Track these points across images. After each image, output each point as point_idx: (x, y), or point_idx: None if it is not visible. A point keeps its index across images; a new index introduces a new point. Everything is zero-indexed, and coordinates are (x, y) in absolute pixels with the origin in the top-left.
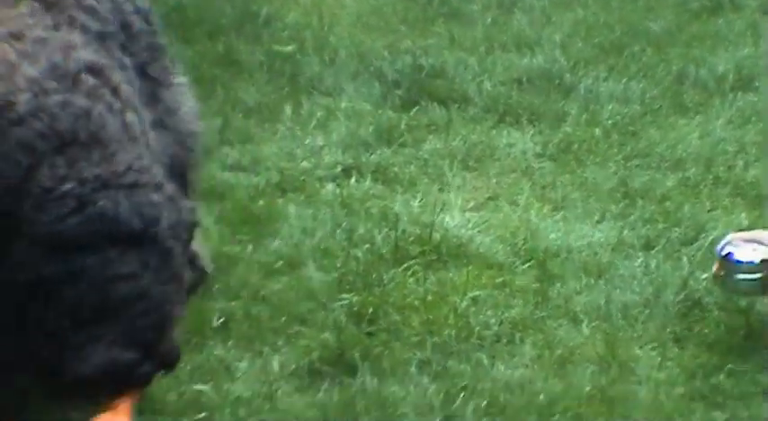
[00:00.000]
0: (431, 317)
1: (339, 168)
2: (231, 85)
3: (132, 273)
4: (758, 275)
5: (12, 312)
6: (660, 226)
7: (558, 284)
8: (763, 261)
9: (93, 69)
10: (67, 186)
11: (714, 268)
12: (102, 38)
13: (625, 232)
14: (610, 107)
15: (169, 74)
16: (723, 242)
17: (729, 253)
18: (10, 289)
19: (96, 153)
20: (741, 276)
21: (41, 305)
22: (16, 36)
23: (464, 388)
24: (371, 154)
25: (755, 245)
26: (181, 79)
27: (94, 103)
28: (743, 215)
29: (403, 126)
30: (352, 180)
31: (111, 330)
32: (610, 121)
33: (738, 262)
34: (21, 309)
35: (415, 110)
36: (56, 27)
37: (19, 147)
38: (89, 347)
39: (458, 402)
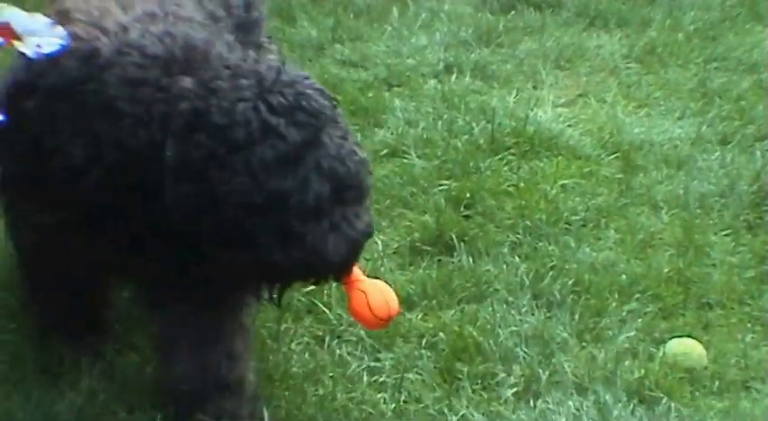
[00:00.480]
0: (523, 202)
1: (441, 65)
2: None
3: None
4: None
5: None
6: (736, 123)
7: (641, 175)
8: None
9: (186, 19)
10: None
11: None
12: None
13: (703, 128)
14: (692, 13)
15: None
16: None
17: None
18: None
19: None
20: None
21: (278, 213)
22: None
23: (552, 268)
24: (471, 53)
25: None
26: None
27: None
28: None
29: (500, 28)
30: (453, 76)
31: (339, 215)
32: (691, 27)
33: None
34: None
35: (511, 13)
36: None
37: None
38: (332, 235)
39: (546, 280)
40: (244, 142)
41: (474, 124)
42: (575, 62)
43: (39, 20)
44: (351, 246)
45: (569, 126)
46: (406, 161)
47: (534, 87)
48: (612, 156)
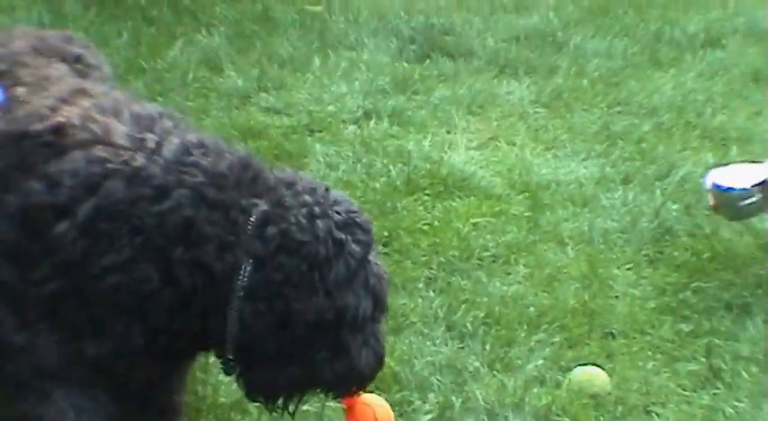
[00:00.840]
0: (437, 239)
1: (360, 112)
2: (268, 39)
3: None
4: (755, 199)
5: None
6: (637, 163)
7: (548, 213)
8: (753, 185)
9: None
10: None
11: (711, 202)
12: None
13: (607, 169)
14: (595, 61)
15: None
16: (710, 179)
17: (724, 186)
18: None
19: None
20: (742, 203)
21: (339, 329)
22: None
23: (465, 301)
24: (388, 100)
25: (738, 174)
26: None
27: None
28: (709, 155)
29: (416, 76)
30: (372, 122)
31: (370, 331)
32: (595, 73)
33: (732, 189)
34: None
35: (426, 62)
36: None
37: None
38: (364, 349)
39: (459, 313)
40: (323, 259)
41: (391, 167)
42: (486, 108)
43: None
44: (379, 360)
45: (481, 168)
46: None
47: (448, 132)
48: (521, 196)
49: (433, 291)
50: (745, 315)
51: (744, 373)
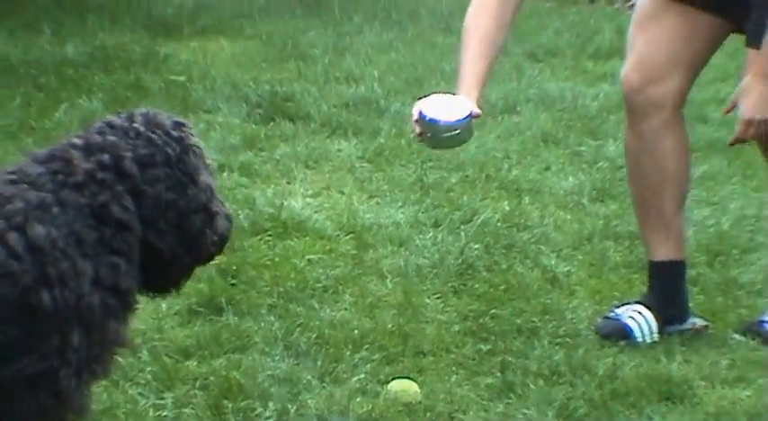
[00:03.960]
0: (277, 273)
1: (215, 165)
2: (138, 103)
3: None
4: (458, 132)
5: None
6: (445, 210)
7: (371, 251)
8: (457, 120)
9: None
10: None
11: (417, 131)
12: None
13: (420, 214)
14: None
15: None
16: (417, 108)
17: (430, 117)
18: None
19: None
20: (446, 134)
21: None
22: None
23: (300, 324)
24: (239, 155)
25: (444, 107)
26: None
27: None
28: (505, 202)
29: (262, 135)
30: (225, 174)
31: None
32: (411, 134)
33: (436, 121)
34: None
35: (271, 124)
36: None
37: None
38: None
39: (295, 334)
40: (177, 158)
41: (240, 211)
42: (320, 162)
43: None
44: (230, 219)
45: (315, 212)
46: None
47: (288, 182)
48: (349, 236)
49: (274, 315)
50: (533, 336)
51: (532, 386)
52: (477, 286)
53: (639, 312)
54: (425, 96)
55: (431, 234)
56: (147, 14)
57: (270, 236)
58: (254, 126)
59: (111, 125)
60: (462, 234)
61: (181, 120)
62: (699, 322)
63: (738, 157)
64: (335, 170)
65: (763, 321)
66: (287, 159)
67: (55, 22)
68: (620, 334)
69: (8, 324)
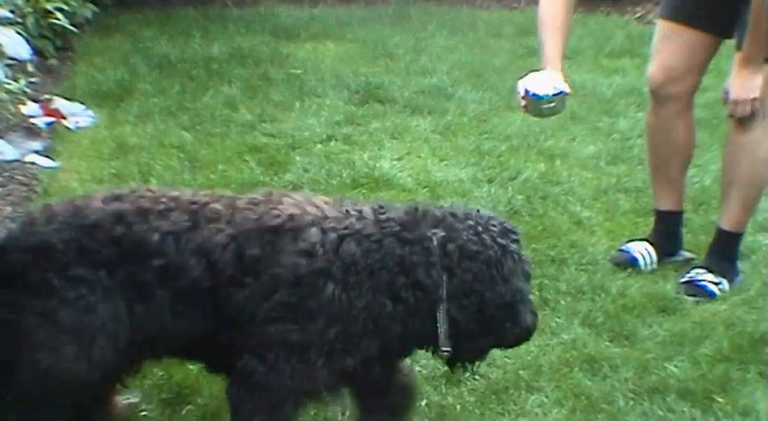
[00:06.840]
0: None
1: (324, 136)
2: (266, 90)
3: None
4: (554, 104)
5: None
6: (497, 170)
7: (441, 200)
8: (553, 94)
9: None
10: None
11: (522, 104)
12: None
13: (478, 173)
14: (472, 106)
15: None
16: (521, 85)
17: (532, 92)
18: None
19: None
20: (545, 106)
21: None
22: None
23: None
24: (342, 129)
25: (543, 82)
26: None
27: None
28: (542, 165)
29: (359, 114)
30: (331, 143)
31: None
32: (472, 113)
33: (537, 95)
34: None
35: (366, 106)
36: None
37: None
38: (529, 315)
39: None
40: (496, 260)
41: (342, 171)
42: (403, 134)
43: (77, 106)
44: (536, 318)
45: (399, 172)
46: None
47: (379, 149)
48: (425, 189)
49: None
50: (563, 265)
51: (562, 301)
52: (520, 227)
53: (645, 248)
54: (524, 76)
55: (486, 188)
56: (274, 23)
57: (365, 189)
58: (353, 107)
59: (454, 214)
60: (509, 188)
61: (510, 226)
62: (687, 254)
63: (717, 131)
64: (414, 140)
65: (696, 280)
66: (378, 132)
67: (203, 29)
68: (629, 263)
69: None
